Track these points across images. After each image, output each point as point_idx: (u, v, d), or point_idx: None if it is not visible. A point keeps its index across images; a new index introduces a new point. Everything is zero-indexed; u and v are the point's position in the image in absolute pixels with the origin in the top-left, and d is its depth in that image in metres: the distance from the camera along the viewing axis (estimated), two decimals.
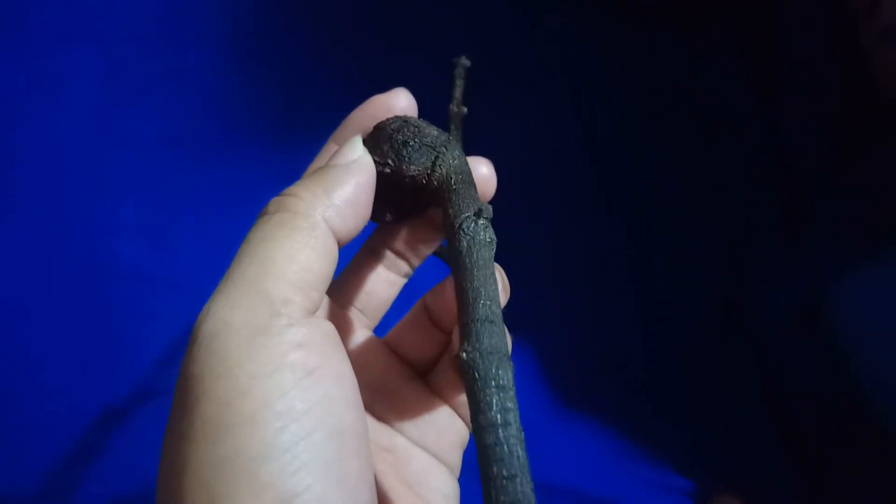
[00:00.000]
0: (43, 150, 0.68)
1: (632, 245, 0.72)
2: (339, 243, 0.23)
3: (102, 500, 0.57)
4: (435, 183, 0.25)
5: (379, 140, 0.25)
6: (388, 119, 0.26)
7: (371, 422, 0.26)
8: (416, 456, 0.25)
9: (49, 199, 0.66)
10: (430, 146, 0.25)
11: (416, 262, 0.29)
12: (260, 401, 0.18)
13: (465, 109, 0.29)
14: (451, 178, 0.25)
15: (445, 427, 0.26)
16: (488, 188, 0.27)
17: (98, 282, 0.64)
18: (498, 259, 0.29)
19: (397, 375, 0.27)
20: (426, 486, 0.24)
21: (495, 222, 0.26)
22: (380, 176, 0.25)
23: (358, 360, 0.26)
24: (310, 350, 0.19)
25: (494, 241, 0.23)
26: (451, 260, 0.23)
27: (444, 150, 0.25)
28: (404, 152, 0.25)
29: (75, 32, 0.72)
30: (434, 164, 0.25)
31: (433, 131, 0.25)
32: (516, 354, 0.27)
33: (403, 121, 0.26)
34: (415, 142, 0.25)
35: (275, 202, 0.22)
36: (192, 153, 0.70)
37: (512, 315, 0.27)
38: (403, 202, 0.27)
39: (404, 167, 0.25)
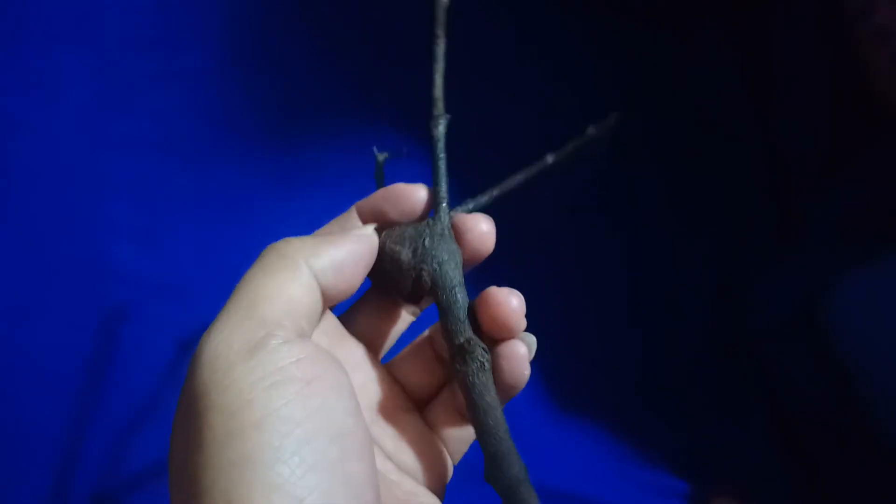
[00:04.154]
0: (38, 153, 0.68)
1: (628, 247, 0.72)
2: (326, 298, 0.24)
3: (98, 502, 0.57)
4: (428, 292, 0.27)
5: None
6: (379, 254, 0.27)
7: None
8: (405, 480, 0.26)
9: (44, 201, 0.66)
10: (410, 269, 0.27)
11: (425, 304, 0.30)
12: (264, 409, 0.19)
13: (443, 194, 0.29)
14: (436, 295, 0.26)
15: (434, 462, 0.27)
16: (486, 244, 0.27)
17: (93, 285, 0.64)
18: (496, 260, 0.29)
19: (395, 405, 0.28)
20: None
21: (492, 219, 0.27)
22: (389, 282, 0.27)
23: (360, 387, 0.27)
24: (305, 363, 0.21)
25: (488, 361, 0.25)
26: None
27: (422, 270, 0.26)
28: (392, 279, 0.27)
29: (70, 34, 0.72)
30: (420, 282, 0.27)
31: (405, 255, 0.27)
32: None
33: (379, 255, 0.27)
34: (396, 273, 0.27)
35: (271, 245, 0.24)
36: (188, 156, 0.69)
37: None
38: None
39: (400, 288, 0.27)
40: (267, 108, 0.72)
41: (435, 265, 0.26)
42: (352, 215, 0.29)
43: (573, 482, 0.61)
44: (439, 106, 0.30)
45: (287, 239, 0.24)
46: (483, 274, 0.32)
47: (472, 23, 0.77)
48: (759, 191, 0.72)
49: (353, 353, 0.28)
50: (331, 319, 0.27)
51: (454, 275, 0.26)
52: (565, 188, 0.72)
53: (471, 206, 0.30)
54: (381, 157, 0.35)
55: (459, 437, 0.28)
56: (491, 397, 0.24)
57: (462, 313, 0.26)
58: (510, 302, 0.24)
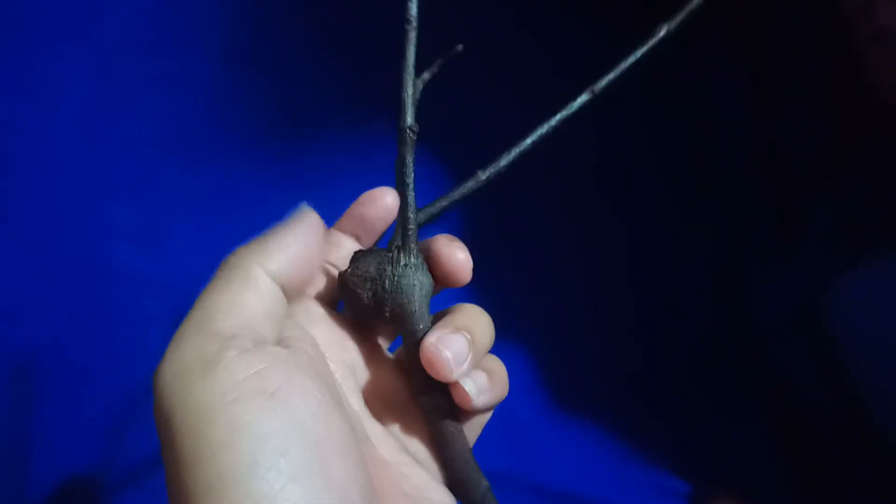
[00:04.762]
0: (38, 153, 0.68)
1: (629, 247, 0.72)
2: (287, 289, 0.24)
3: (98, 500, 0.57)
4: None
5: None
6: (343, 279, 0.27)
7: (382, 434, 0.26)
8: (417, 472, 0.26)
9: (44, 201, 0.66)
10: (371, 311, 0.26)
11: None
12: (230, 426, 0.19)
13: (412, 224, 0.27)
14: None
15: None
16: (463, 274, 0.27)
17: (94, 284, 0.64)
18: (496, 258, 0.29)
19: (407, 396, 0.28)
20: (427, 501, 0.25)
21: (493, 223, 0.26)
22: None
23: (371, 380, 0.27)
24: (266, 374, 0.20)
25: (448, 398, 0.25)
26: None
27: (384, 311, 0.26)
28: (358, 315, 0.27)
29: (70, 34, 0.72)
30: (385, 318, 0.26)
31: (365, 298, 0.26)
32: (515, 356, 0.27)
33: (344, 290, 0.27)
34: (360, 311, 0.26)
35: (224, 259, 0.24)
36: (187, 156, 0.69)
37: (511, 317, 0.27)
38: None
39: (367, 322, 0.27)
40: (267, 108, 0.72)
41: (396, 308, 0.26)
42: (333, 233, 0.29)
43: (574, 482, 0.61)
44: (408, 115, 0.26)
45: (236, 249, 0.24)
46: (484, 275, 0.32)
47: (471, 26, 0.77)
48: (759, 191, 0.72)
49: (361, 347, 0.28)
50: (332, 320, 0.27)
51: (415, 319, 0.25)
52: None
53: (451, 198, 0.28)
54: (421, 79, 0.30)
55: (470, 424, 0.27)
56: (453, 427, 0.25)
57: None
58: (439, 358, 0.24)
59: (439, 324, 0.25)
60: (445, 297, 0.29)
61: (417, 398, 0.26)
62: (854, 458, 0.61)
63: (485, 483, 0.25)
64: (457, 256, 0.27)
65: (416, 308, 0.25)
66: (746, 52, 0.75)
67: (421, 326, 0.25)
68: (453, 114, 0.70)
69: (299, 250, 0.24)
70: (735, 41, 0.76)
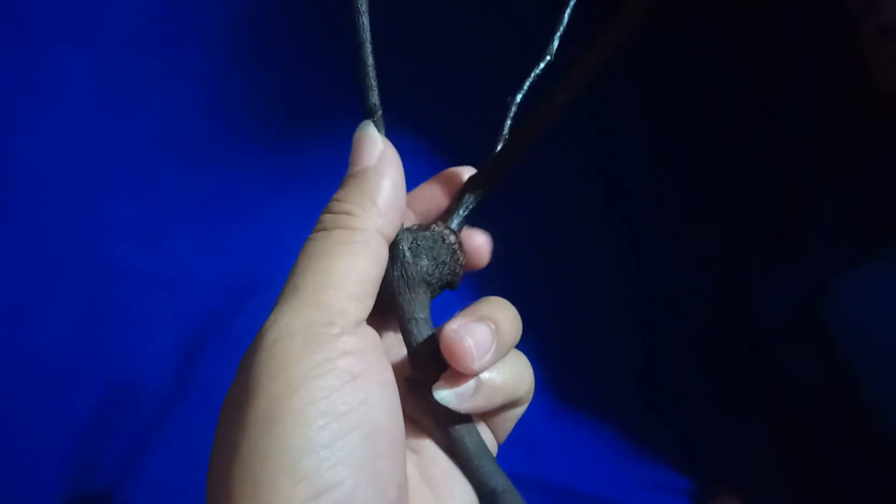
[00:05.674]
0: (38, 152, 0.68)
1: (630, 245, 0.72)
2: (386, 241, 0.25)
3: (100, 500, 0.57)
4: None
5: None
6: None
7: (409, 420, 0.26)
8: (441, 461, 0.26)
9: (45, 200, 0.66)
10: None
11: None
12: (307, 399, 0.20)
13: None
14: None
15: None
16: (481, 257, 0.27)
17: (95, 283, 0.64)
18: (497, 258, 0.29)
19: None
20: (448, 492, 0.25)
21: (492, 223, 0.26)
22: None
23: (402, 360, 0.27)
24: (356, 357, 0.21)
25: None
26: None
27: (388, 297, 0.25)
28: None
29: (71, 34, 0.72)
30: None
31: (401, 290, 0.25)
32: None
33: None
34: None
35: (331, 219, 0.24)
36: (189, 155, 0.69)
37: None
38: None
39: None
40: (268, 107, 0.72)
41: (386, 300, 0.25)
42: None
43: (575, 479, 0.61)
44: (372, 93, 0.26)
45: (343, 209, 0.24)
46: (486, 275, 0.32)
47: (472, 24, 0.77)
48: (759, 190, 0.72)
49: (393, 326, 0.28)
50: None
51: (399, 307, 0.25)
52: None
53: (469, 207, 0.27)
54: (564, 18, 0.26)
55: (504, 417, 0.27)
56: (463, 425, 0.24)
57: (416, 351, 0.25)
58: (460, 347, 0.23)
59: (461, 313, 0.24)
60: (455, 297, 0.29)
61: (409, 392, 0.25)
62: (854, 458, 0.61)
63: (500, 485, 0.24)
64: (476, 239, 0.27)
65: (400, 298, 0.25)
66: (747, 51, 0.75)
67: (406, 317, 0.25)
68: (455, 115, 0.70)
69: (398, 200, 0.25)
70: (736, 39, 0.76)
